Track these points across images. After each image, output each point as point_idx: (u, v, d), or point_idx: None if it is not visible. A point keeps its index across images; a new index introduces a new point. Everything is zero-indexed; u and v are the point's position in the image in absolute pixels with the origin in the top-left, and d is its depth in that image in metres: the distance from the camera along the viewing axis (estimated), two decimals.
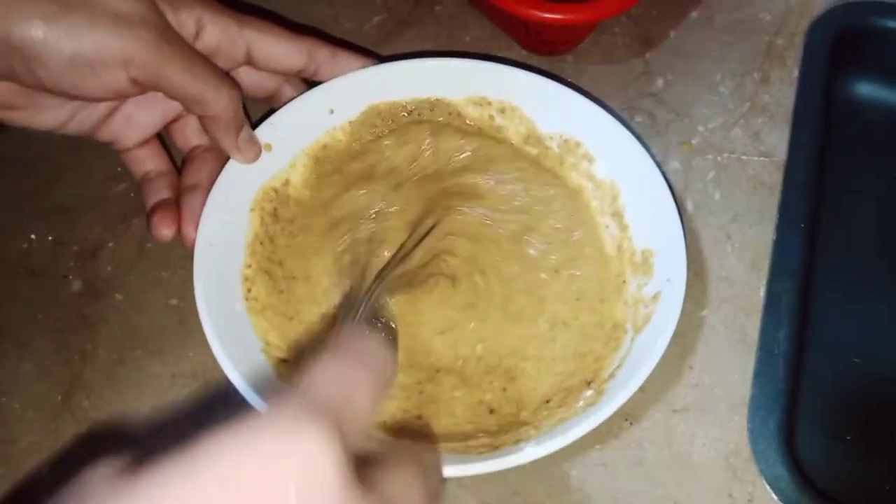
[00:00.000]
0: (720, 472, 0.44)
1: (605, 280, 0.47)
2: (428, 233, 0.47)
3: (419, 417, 0.43)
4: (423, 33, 0.58)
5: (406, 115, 0.51)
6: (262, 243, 0.47)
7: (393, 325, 0.45)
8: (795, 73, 0.56)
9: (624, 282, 0.46)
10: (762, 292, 0.49)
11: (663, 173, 0.46)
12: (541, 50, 0.57)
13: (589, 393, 0.42)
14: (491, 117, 0.51)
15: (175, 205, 0.47)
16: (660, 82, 0.56)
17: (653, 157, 0.47)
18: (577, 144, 0.49)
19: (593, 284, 0.47)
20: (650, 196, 0.46)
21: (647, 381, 0.45)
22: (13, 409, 0.46)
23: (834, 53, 0.56)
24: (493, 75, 0.50)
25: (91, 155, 0.53)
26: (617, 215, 0.48)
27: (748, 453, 0.44)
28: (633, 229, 0.47)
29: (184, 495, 0.22)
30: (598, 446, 0.45)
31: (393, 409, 0.44)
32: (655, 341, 0.42)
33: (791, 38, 0.57)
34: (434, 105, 0.51)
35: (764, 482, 0.43)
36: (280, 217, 0.48)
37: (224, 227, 0.46)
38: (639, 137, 0.47)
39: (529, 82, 0.49)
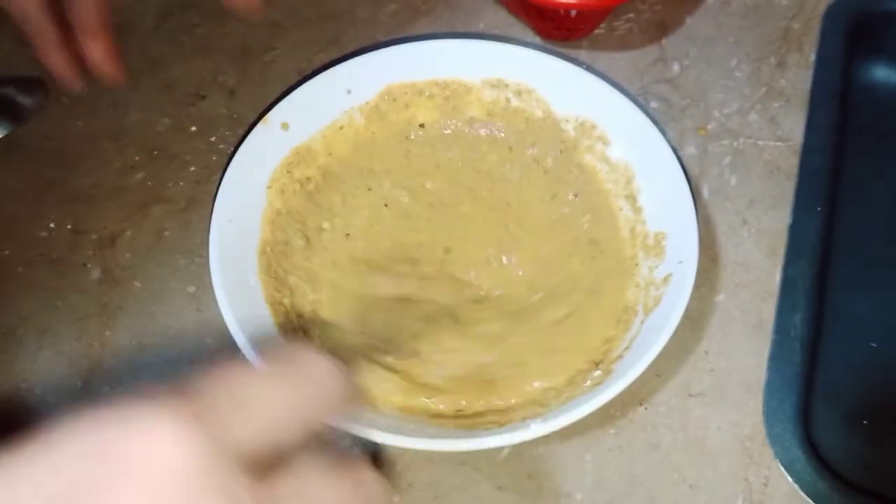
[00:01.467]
0: (736, 456, 0.44)
1: (617, 263, 0.47)
2: None
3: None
4: (437, 21, 0.58)
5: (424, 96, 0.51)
6: (281, 216, 0.48)
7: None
8: (812, 57, 0.55)
9: (636, 264, 0.46)
10: (778, 277, 0.48)
11: (678, 158, 0.46)
12: (556, 36, 0.56)
13: (597, 373, 0.43)
14: (507, 100, 0.51)
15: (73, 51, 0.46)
16: (675, 68, 0.56)
17: (668, 140, 0.47)
18: (593, 126, 0.49)
19: (605, 267, 0.47)
20: (664, 179, 0.46)
21: (663, 366, 0.46)
22: (34, 396, 0.47)
23: (851, 37, 0.56)
24: (510, 57, 0.50)
25: (109, 145, 0.54)
26: (631, 198, 0.48)
27: (764, 437, 0.44)
28: (646, 212, 0.47)
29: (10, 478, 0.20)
30: (613, 430, 0.45)
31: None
32: (665, 323, 0.42)
33: (808, 22, 0.57)
34: (450, 87, 0.51)
35: (780, 466, 0.43)
36: (306, 188, 0.49)
37: (242, 204, 0.46)
38: (654, 122, 0.47)
39: (547, 64, 0.50)
